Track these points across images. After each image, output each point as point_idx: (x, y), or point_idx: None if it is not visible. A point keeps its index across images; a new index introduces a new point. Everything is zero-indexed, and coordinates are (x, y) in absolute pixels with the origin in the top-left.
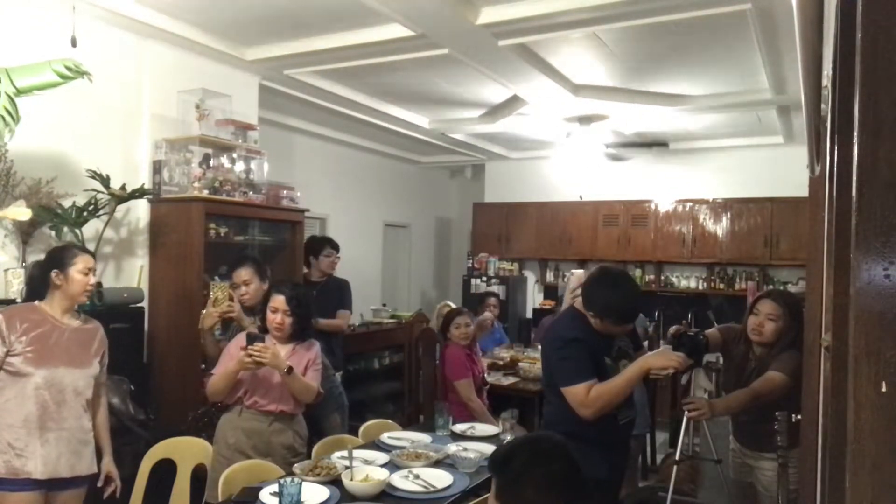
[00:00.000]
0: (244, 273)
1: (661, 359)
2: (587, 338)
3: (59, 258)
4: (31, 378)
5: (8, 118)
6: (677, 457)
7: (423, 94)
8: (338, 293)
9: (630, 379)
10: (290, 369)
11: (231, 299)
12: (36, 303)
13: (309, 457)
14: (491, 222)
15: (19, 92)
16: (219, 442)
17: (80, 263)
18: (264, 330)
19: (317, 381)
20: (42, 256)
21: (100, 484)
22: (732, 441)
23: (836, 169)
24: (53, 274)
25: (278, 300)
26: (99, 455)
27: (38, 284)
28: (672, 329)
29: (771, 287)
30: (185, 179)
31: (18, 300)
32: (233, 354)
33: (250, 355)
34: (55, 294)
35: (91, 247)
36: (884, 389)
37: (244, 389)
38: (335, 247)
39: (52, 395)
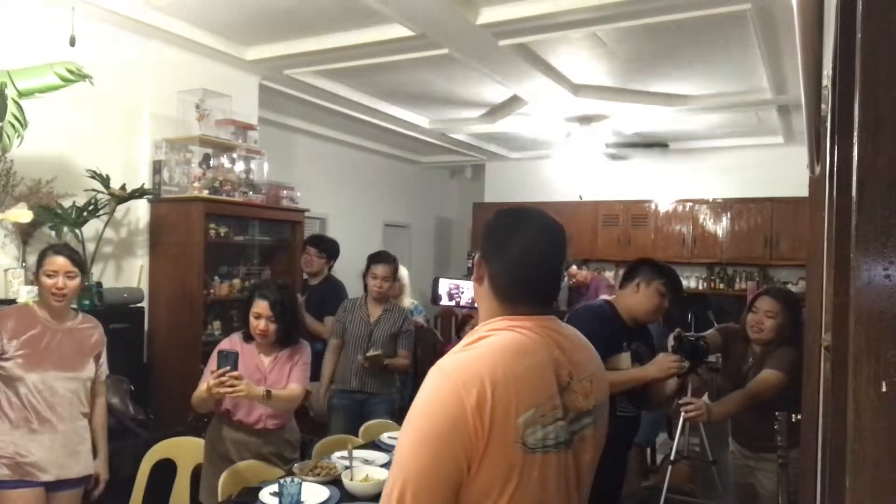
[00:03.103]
0: (382, 269)
1: (656, 370)
2: (612, 329)
3: (37, 259)
4: (23, 382)
5: (17, 125)
6: (672, 457)
7: (423, 94)
8: (329, 297)
9: (627, 381)
10: (269, 394)
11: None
12: (30, 303)
13: (302, 460)
14: None
15: (21, 94)
16: (208, 448)
17: (46, 265)
18: (248, 336)
19: (303, 380)
20: None
21: (90, 487)
22: (732, 443)
23: (836, 169)
24: (34, 275)
25: (262, 306)
26: (95, 455)
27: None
28: (673, 333)
29: (769, 285)
30: (185, 179)
31: (20, 299)
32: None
33: (221, 383)
34: (41, 296)
35: (91, 247)
36: (884, 389)
37: (226, 407)
38: (315, 244)
39: (43, 399)
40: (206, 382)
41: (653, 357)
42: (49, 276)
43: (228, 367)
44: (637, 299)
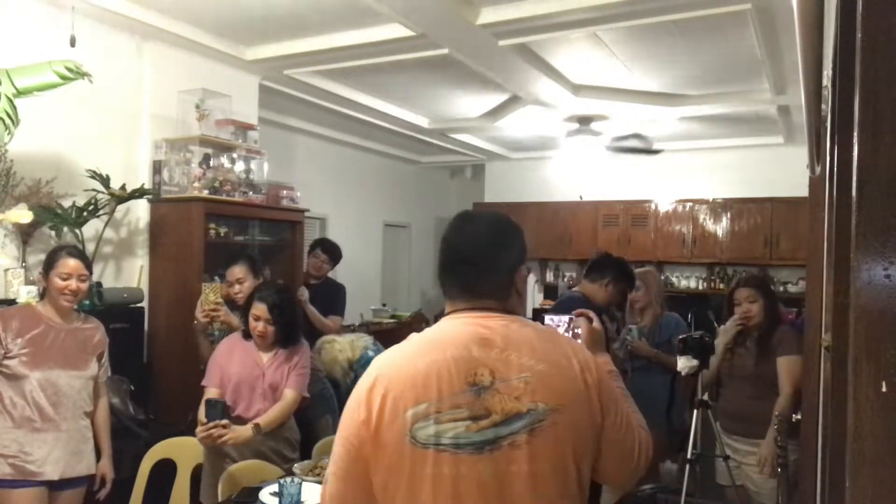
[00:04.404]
0: (237, 270)
1: None
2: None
3: (47, 260)
4: (27, 380)
5: (8, 121)
6: (689, 455)
7: (423, 94)
8: (330, 298)
9: None
10: (258, 427)
11: (220, 301)
12: (33, 304)
13: (300, 461)
14: None
15: (19, 93)
16: (208, 448)
17: (60, 267)
18: (247, 334)
19: (299, 386)
20: (43, 256)
21: (96, 487)
22: (724, 436)
23: (836, 169)
24: (41, 275)
25: (260, 309)
26: (99, 454)
27: (41, 284)
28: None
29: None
30: (185, 179)
31: (20, 299)
32: (219, 363)
33: (210, 436)
34: (47, 296)
35: (91, 247)
36: (884, 389)
37: (226, 402)
38: (327, 250)
39: (48, 397)
40: (197, 426)
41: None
42: (63, 278)
43: (216, 421)
44: (603, 294)
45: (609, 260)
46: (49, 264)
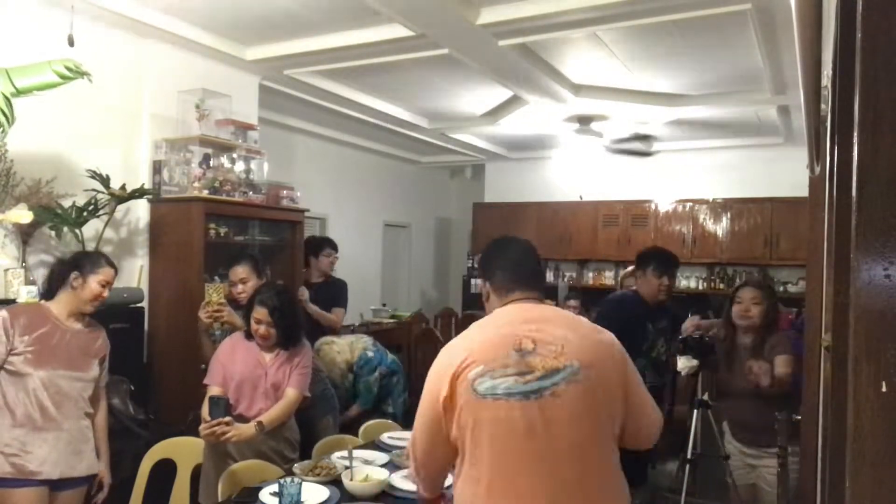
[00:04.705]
0: (241, 270)
1: None
2: (631, 311)
3: (84, 262)
4: (30, 378)
5: (2, 118)
6: (689, 454)
7: (423, 94)
8: (333, 296)
9: None
10: (261, 426)
11: (223, 301)
12: (42, 302)
13: (301, 461)
14: (491, 222)
15: (19, 92)
16: (208, 447)
17: (102, 275)
18: (250, 335)
19: (301, 385)
20: (43, 256)
21: (93, 491)
22: (732, 441)
23: (836, 169)
24: (73, 276)
25: (261, 312)
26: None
27: (55, 282)
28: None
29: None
30: (185, 179)
31: (20, 299)
32: (222, 362)
33: (213, 433)
34: (66, 296)
35: (91, 247)
36: (884, 389)
37: (228, 400)
38: (334, 247)
39: (50, 397)
40: (200, 424)
41: (675, 330)
42: (102, 284)
43: (220, 418)
44: (643, 286)
45: (638, 255)
46: (87, 266)
